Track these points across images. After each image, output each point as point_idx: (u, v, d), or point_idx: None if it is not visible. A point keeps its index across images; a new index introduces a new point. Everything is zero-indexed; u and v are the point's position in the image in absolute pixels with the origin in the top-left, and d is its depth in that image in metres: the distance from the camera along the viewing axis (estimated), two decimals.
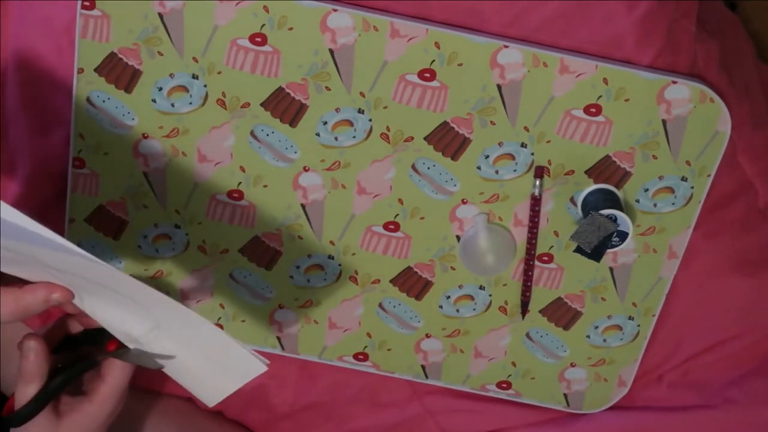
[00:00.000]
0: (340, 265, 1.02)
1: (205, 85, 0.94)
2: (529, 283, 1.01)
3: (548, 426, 1.09)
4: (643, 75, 0.92)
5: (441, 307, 1.04)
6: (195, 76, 0.93)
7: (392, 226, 1.00)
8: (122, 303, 0.83)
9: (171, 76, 0.93)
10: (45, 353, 0.84)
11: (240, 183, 0.98)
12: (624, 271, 1.01)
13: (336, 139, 0.95)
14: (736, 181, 1.00)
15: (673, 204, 0.98)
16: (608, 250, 0.97)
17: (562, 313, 1.04)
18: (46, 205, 1.00)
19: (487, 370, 1.07)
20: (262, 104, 0.94)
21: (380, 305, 1.04)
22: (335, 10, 0.90)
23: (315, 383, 1.09)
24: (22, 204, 1.00)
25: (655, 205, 0.98)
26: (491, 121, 0.94)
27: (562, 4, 0.91)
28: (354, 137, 0.95)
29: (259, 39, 0.91)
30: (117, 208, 0.99)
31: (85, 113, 0.95)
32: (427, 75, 0.92)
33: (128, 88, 0.94)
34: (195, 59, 0.92)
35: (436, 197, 0.98)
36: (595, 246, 0.95)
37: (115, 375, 0.86)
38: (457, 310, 1.04)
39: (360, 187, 0.98)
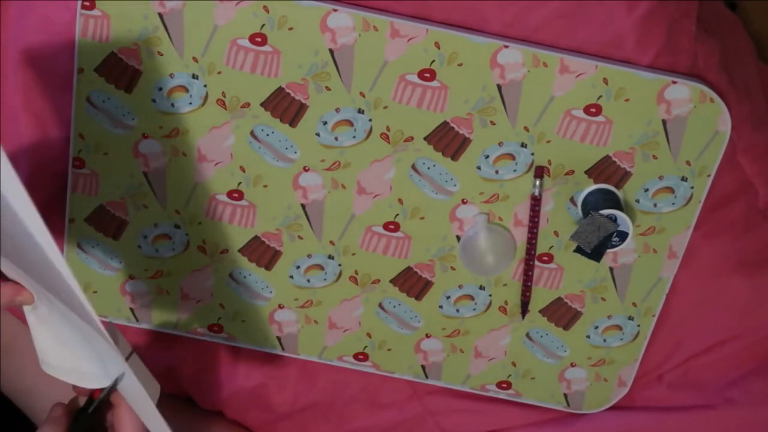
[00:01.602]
0: (340, 265, 1.02)
1: (205, 85, 0.94)
2: (529, 283, 1.01)
3: (548, 426, 1.09)
4: (643, 75, 0.92)
5: (441, 307, 1.04)
6: (195, 76, 0.93)
7: (392, 226, 1.00)
8: (82, 341, 0.85)
9: (171, 76, 0.93)
10: None
11: (240, 183, 0.98)
12: (624, 271, 1.01)
13: (336, 139, 0.95)
14: (736, 181, 1.00)
15: (673, 204, 0.98)
16: (608, 250, 0.97)
17: (562, 313, 1.04)
18: (46, 205, 1.00)
19: (487, 370, 1.07)
20: (262, 104, 0.94)
21: (380, 305, 1.04)
22: (335, 10, 0.90)
23: (315, 383, 1.09)
24: None
25: (655, 205, 0.98)
26: (491, 121, 0.94)
27: (562, 4, 0.91)
28: (354, 137, 0.95)
29: (259, 39, 0.91)
30: (117, 208, 0.99)
31: (85, 113, 0.95)
32: (427, 75, 0.92)
33: (128, 88, 0.94)
34: (195, 59, 0.92)
35: (436, 197, 0.98)
36: (595, 246, 0.95)
37: (126, 420, 0.88)
38: (457, 310, 1.04)
39: (360, 187, 0.98)
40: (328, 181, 0.97)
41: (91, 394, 0.89)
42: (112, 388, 0.87)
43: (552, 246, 1.00)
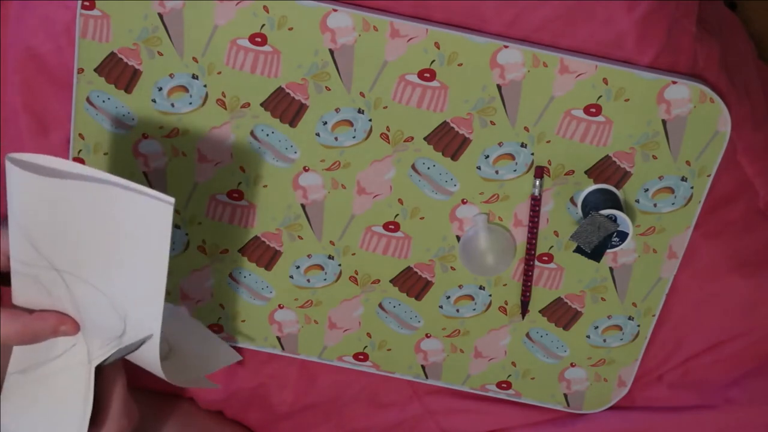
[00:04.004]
0: (340, 265, 1.02)
1: (205, 85, 0.94)
2: (529, 283, 1.01)
3: (548, 426, 1.09)
4: (643, 75, 0.92)
5: (441, 307, 1.04)
6: (195, 76, 0.93)
7: (392, 226, 1.00)
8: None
9: (171, 76, 0.93)
10: None
11: (240, 183, 0.98)
12: (624, 271, 1.01)
13: (336, 139, 0.96)
14: (736, 181, 1.00)
15: (673, 204, 0.98)
16: (608, 250, 0.97)
17: (562, 313, 1.04)
18: None
19: (487, 370, 1.07)
20: (262, 104, 0.94)
21: (380, 305, 1.04)
22: (335, 10, 0.90)
23: (315, 383, 1.09)
24: None
25: (655, 205, 0.98)
26: (491, 121, 0.94)
27: (562, 4, 0.91)
28: (354, 137, 0.95)
29: (259, 39, 0.91)
30: None
31: (85, 113, 0.95)
32: (427, 75, 0.92)
33: (128, 88, 0.94)
34: (195, 59, 0.93)
35: (436, 197, 0.98)
36: (595, 246, 0.95)
37: (112, 390, 0.88)
38: (457, 310, 1.04)
39: (360, 187, 0.98)
40: (328, 181, 0.97)
41: None
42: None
43: (552, 246, 1.00)
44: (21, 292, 0.86)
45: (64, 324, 0.85)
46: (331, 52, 0.92)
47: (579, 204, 0.97)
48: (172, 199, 0.80)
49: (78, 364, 0.87)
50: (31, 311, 0.86)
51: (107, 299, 0.85)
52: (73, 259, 0.84)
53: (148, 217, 0.81)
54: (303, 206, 0.99)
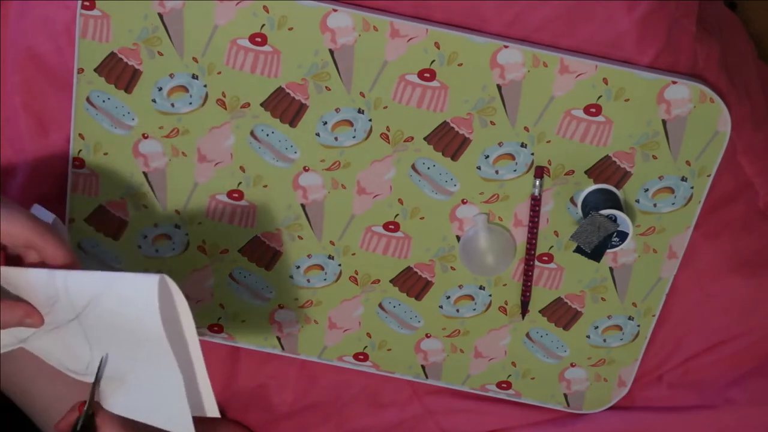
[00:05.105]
0: (340, 265, 1.02)
1: (205, 85, 0.94)
2: (529, 283, 1.01)
3: (548, 426, 1.09)
4: (643, 75, 0.92)
5: (441, 307, 1.04)
6: (195, 76, 0.93)
7: (392, 226, 1.00)
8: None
9: (171, 76, 0.93)
10: None
11: (240, 183, 0.98)
12: (624, 271, 1.01)
13: (336, 139, 0.95)
14: (736, 181, 1.00)
15: (673, 204, 0.98)
16: (608, 250, 0.97)
17: (562, 313, 1.04)
18: (46, 205, 1.00)
19: (487, 370, 1.07)
20: (262, 104, 0.94)
21: (380, 305, 1.04)
22: (335, 10, 0.90)
23: (315, 383, 1.09)
24: (22, 204, 1.00)
25: (655, 205, 0.98)
26: (491, 121, 0.94)
27: (562, 4, 0.91)
28: (354, 137, 0.95)
29: (259, 39, 0.91)
30: (117, 208, 0.99)
31: (85, 113, 0.95)
32: (427, 75, 0.92)
33: (128, 88, 0.94)
34: (195, 59, 0.92)
35: (436, 197, 0.98)
36: (595, 246, 0.95)
37: None
38: (457, 310, 1.04)
39: (360, 187, 0.98)
40: (328, 181, 0.97)
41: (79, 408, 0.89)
42: (92, 402, 0.88)
43: (552, 246, 1.00)
44: (18, 281, 0.85)
45: (30, 317, 0.86)
46: (331, 52, 0.92)
47: (579, 204, 0.97)
48: None
49: None
50: None
51: (90, 351, 0.86)
52: (93, 325, 0.85)
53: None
54: (303, 206, 0.99)
